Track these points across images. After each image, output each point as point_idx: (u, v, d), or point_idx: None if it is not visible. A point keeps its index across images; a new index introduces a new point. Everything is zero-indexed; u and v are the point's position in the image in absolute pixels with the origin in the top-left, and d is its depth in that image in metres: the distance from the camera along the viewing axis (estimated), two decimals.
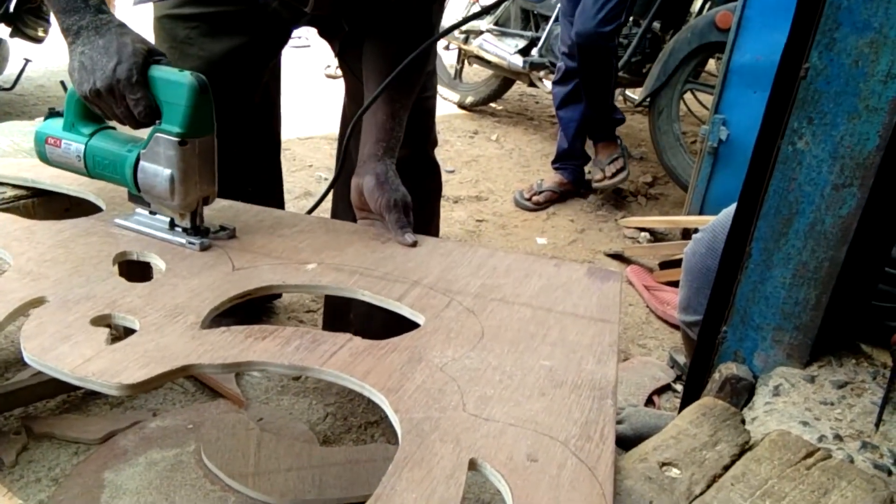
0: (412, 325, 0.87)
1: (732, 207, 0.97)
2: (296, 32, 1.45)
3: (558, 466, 0.65)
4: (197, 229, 1.00)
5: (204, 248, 0.98)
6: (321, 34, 1.46)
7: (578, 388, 0.77)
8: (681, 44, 2.65)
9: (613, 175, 2.73)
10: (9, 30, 3.03)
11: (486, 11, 3.15)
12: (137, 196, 1.01)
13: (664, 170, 2.85)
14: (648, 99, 2.76)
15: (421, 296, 0.93)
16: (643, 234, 2.51)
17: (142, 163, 0.97)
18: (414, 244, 1.07)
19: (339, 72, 1.54)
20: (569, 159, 2.85)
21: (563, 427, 0.70)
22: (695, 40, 2.61)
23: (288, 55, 4.51)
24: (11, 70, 3.11)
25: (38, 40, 3.10)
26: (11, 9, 2.94)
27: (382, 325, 0.93)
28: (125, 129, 1.02)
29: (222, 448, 1.25)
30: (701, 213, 2.40)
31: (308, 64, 4.41)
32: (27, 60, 3.09)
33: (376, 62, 1.22)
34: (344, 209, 1.21)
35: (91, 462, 1.24)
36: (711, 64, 3.27)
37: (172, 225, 1.00)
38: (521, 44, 3.38)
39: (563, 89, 2.79)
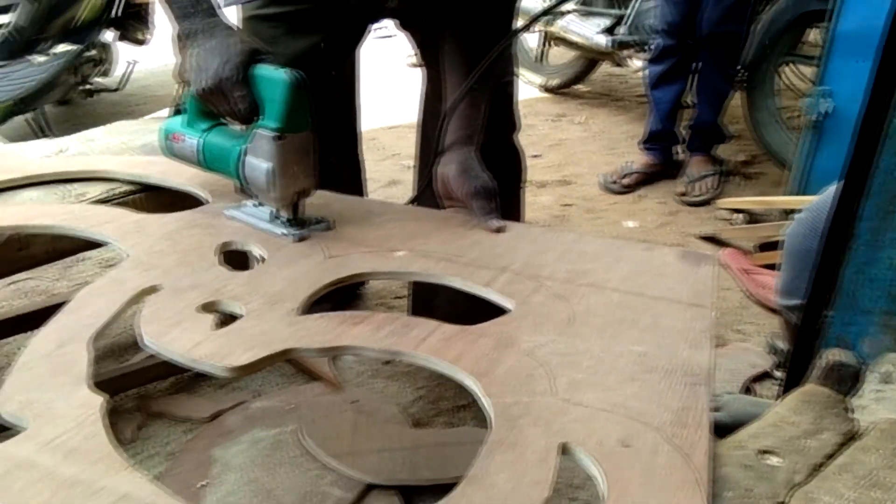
0: (498, 312, 0.88)
1: (836, 185, 0.92)
2: (381, 23, 1.48)
3: (652, 452, 0.64)
4: (296, 221, 1.04)
5: (301, 239, 1.02)
6: (401, 26, 1.48)
7: (671, 373, 0.76)
8: (779, 14, 2.51)
9: (699, 195, 2.58)
10: (115, 34, 3.22)
11: None
12: (244, 188, 1.07)
13: (761, 148, 2.72)
14: (743, 74, 2.64)
15: (509, 281, 0.93)
16: (739, 215, 2.40)
17: (246, 157, 1.02)
18: (500, 230, 1.07)
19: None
20: (659, 140, 2.77)
21: (657, 413, 0.69)
22: (794, 10, 2.47)
23: (372, 45, 4.58)
24: (118, 72, 3.30)
25: (142, 43, 3.29)
26: (116, 14, 3.13)
27: (468, 311, 0.94)
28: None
29: (320, 428, 1.30)
30: (802, 192, 2.28)
31: (392, 54, 4.46)
32: (132, 62, 3.28)
33: (456, 52, 1.22)
34: (428, 197, 1.23)
35: (201, 439, 1.32)
36: (811, 34, 3.08)
37: (274, 216, 1.05)
38: (607, 23, 3.30)
39: (658, 68, 2.70)
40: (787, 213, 2.25)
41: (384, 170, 2.85)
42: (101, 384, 0.73)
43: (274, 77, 0.97)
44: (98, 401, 0.70)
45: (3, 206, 1.14)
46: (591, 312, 0.87)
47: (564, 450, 0.65)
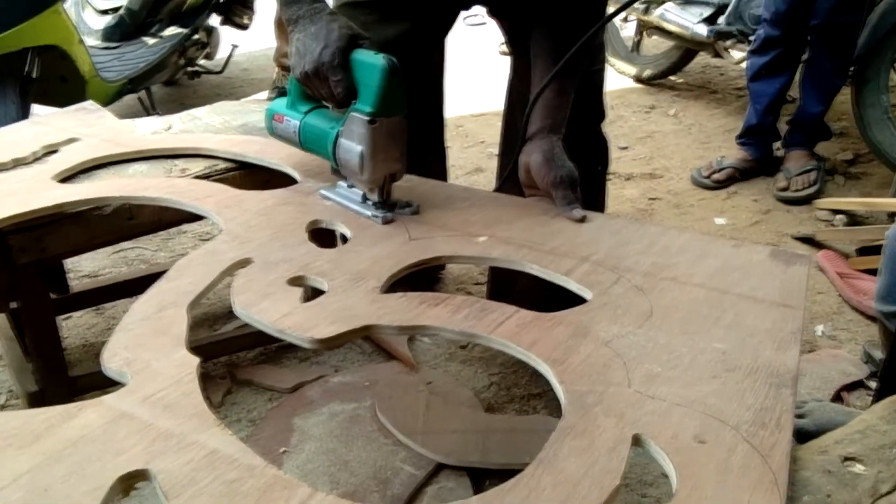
0: (576, 302, 0.88)
1: None
2: (472, 10, 1.49)
3: (728, 450, 0.63)
4: (384, 203, 1.07)
5: (387, 222, 1.05)
6: (491, 13, 1.48)
7: (754, 373, 0.74)
8: (894, 5, 2.36)
9: (800, 190, 2.45)
10: (219, 18, 3.37)
11: None
12: (337, 170, 1.10)
13: (868, 146, 2.57)
14: (852, 67, 2.49)
15: (589, 271, 0.93)
16: (839, 216, 2.28)
17: (340, 139, 1.05)
18: (582, 219, 1.07)
19: None
20: (756, 135, 2.65)
21: (735, 412, 0.68)
22: None
23: (464, 33, 4.58)
24: (221, 55, 3.45)
25: (244, 27, 3.43)
26: None
27: (546, 300, 0.94)
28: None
29: (395, 406, 1.34)
30: None
31: (483, 41, 4.46)
32: (234, 46, 3.42)
33: (545, 39, 1.22)
34: (511, 185, 1.24)
35: (283, 408, 1.38)
36: None
37: (364, 198, 1.08)
38: (707, 12, 3.18)
39: (759, 60, 2.58)
40: (892, 216, 2.12)
41: (470, 157, 2.86)
42: (193, 350, 0.78)
43: (370, 62, 1.00)
44: (194, 361, 0.75)
45: (116, 178, 1.22)
46: (672, 307, 0.85)
47: (637, 441, 0.65)
